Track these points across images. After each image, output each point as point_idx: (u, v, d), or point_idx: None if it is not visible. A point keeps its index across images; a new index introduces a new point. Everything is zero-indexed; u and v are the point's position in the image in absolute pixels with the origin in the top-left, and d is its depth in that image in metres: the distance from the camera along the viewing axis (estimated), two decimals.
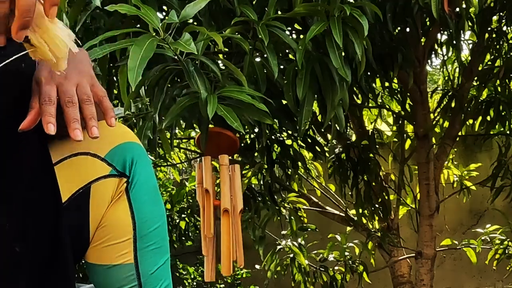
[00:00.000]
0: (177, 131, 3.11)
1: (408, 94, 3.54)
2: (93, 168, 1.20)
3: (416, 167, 3.71)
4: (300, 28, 2.63)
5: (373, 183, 3.69)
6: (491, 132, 3.83)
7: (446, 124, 3.74)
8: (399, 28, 3.06)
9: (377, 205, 3.73)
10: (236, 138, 2.21)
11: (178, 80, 2.20)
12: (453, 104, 3.65)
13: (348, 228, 4.11)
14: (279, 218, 3.73)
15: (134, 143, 1.24)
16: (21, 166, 1.11)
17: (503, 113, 3.61)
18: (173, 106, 1.84)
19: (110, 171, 1.20)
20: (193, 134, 4.20)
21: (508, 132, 3.75)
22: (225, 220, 2.17)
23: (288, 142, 3.27)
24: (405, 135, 3.93)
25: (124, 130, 1.27)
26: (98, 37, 1.69)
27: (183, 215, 4.95)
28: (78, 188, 1.19)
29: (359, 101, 3.43)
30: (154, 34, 1.70)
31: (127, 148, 1.23)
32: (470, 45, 3.78)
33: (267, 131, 2.80)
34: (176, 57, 1.79)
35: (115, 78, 2.57)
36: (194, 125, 2.35)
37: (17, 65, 1.13)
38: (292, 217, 3.96)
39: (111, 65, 2.45)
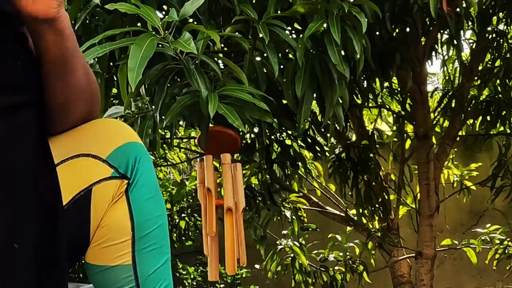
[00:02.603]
0: (175, 129, 3.10)
1: (408, 94, 3.54)
2: (94, 170, 1.20)
3: (416, 167, 3.71)
4: (300, 28, 2.63)
5: (373, 183, 3.69)
6: (491, 132, 3.83)
7: (446, 124, 3.74)
8: (398, 29, 3.06)
9: (377, 205, 3.73)
10: (237, 137, 2.20)
11: (178, 79, 2.20)
12: (453, 104, 3.65)
13: (348, 228, 4.11)
14: (279, 218, 3.73)
15: (136, 144, 1.24)
16: (21, 164, 1.11)
17: (503, 113, 3.61)
18: (174, 104, 1.84)
19: (112, 173, 1.20)
20: (193, 134, 4.21)
21: (508, 132, 3.75)
22: (229, 218, 2.16)
23: (288, 142, 3.28)
24: (405, 135, 3.93)
25: (125, 130, 1.26)
26: (97, 36, 1.68)
27: (183, 215, 4.95)
28: (79, 190, 1.19)
29: (359, 101, 3.44)
30: (153, 32, 1.70)
31: (129, 149, 1.23)
32: (471, 45, 3.78)
33: (267, 131, 2.80)
34: (176, 56, 1.79)
35: (114, 77, 2.56)
36: (195, 124, 2.35)
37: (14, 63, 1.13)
38: (294, 217, 3.96)
39: (111, 64, 2.45)
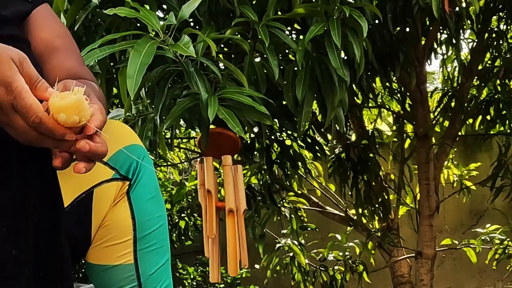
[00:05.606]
0: (177, 131, 3.10)
1: (408, 94, 3.54)
2: (95, 173, 1.18)
3: (416, 167, 3.71)
4: (300, 28, 2.62)
5: (373, 183, 3.69)
6: (491, 132, 3.84)
7: (446, 123, 3.74)
8: (399, 28, 3.06)
9: (377, 205, 3.74)
10: (237, 138, 2.20)
11: (179, 80, 2.20)
12: (453, 104, 3.65)
13: (348, 228, 4.12)
14: (279, 218, 3.73)
15: (137, 145, 1.25)
16: (20, 167, 1.11)
17: (503, 113, 3.61)
18: (174, 107, 1.84)
19: (113, 175, 1.21)
20: (193, 134, 4.20)
21: (508, 131, 3.75)
22: (230, 220, 2.16)
23: (288, 142, 3.27)
24: (405, 135, 3.93)
25: (127, 132, 1.27)
26: (97, 41, 1.68)
27: (182, 215, 4.95)
28: (81, 192, 1.20)
29: (359, 101, 3.43)
30: (153, 35, 1.69)
31: (130, 151, 1.23)
32: (470, 45, 3.78)
33: (267, 131, 2.80)
34: (176, 58, 1.79)
35: (114, 76, 2.56)
36: (195, 126, 2.35)
37: None
38: (293, 216, 3.96)
39: (112, 64, 2.45)
